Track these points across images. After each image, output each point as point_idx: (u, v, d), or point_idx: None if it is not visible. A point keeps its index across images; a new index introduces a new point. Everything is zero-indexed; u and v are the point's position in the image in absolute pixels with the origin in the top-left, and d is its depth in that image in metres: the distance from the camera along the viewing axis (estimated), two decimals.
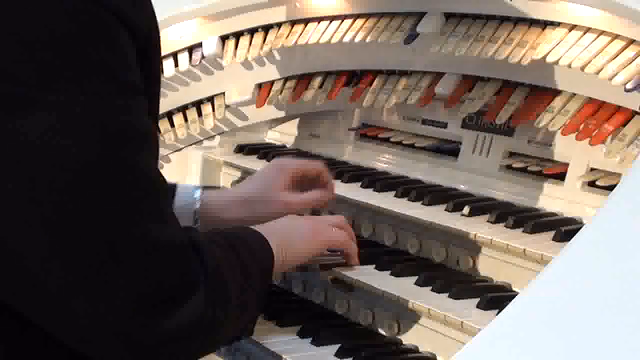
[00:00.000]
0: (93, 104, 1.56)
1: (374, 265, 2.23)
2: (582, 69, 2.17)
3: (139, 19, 1.63)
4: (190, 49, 3.02)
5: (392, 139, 2.76)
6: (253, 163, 2.90)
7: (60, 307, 1.61)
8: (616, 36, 2.16)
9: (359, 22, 2.72)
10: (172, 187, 2.30)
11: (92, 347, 1.67)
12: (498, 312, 1.70)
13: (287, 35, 2.87)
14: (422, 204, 2.38)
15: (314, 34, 2.81)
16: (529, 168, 2.36)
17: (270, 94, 3.00)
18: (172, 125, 3.07)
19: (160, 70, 1.79)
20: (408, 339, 2.11)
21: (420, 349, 2.08)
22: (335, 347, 2.06)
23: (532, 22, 2.34)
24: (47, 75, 1.54)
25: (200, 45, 3.00)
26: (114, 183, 1.59)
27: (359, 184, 2.58)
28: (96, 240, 1.58)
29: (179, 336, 1.68)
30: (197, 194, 2.29)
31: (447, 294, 2.07)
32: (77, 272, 1.58)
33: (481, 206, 2.31)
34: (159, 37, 1.74)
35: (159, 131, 2.21)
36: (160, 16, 3.01)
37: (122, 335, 1.63)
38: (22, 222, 1.55)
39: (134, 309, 1.62)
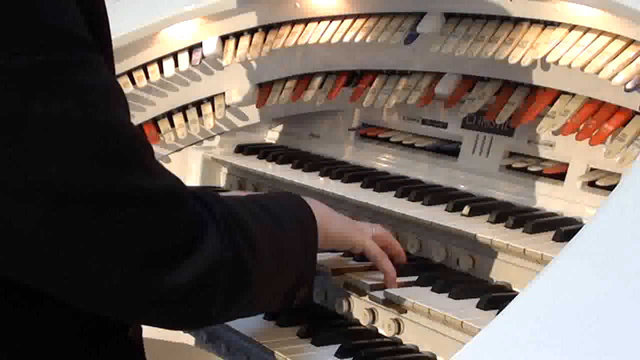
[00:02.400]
0: (52, 64, 1.52)
1: None
2: (582, 69, 2.17)
3: None
4: (190, 49, 3.02)
5: (392, 139, 2.76)
6: (253, 163, 2.90)
7: (71, 274, 1.59)
8: (616, 36, 2.16)
9: (359, 22, 2.72)
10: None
11: (114, 309, 1.66)
12: (498, 312, 1.70)
13: (287, 35, 2.87)
14: (422, 204, 2.38)
15: (314, 34, 2.82)
16: (529, 168, 2.36)
17: (270, 94, 3.00)
18: (172, 125, 3.08)
19: (109, 32, 1.75)
20: (408, 339, 2.11)
21: (420, 349, 2.08)
22: (335, 347, 2.06)
23: (532, 22, 2.34)
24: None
25: (200, 45, 3.00)
26: (91, 141, 1.55)
27: (359, 184, 2.58)
28: (88, 201, 1.55)
29: (201, 282, 1.65)
30: None
31: (447, 294, 2.07)
32: (77, 235, 1.56)
33: (481, 206, 2.31)
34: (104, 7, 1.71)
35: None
36: (160, 16, 3.04)
37: (140, 290, 1.61)
38: (11, 192, 1.52)
39: (144, 263, 1.60)
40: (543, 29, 2.31)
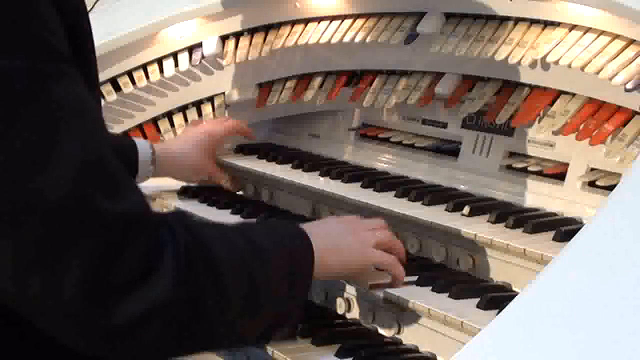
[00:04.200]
0: (27, 71, 1.50)
1: None
2: (582, 69, 2.17)
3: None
4: (190, 49, 3.02)
5: (392, 139, 2.76)
6: (253, 163, 2.90)
7: (20, 289, 1.54)
8: (616, 36, 2.16)
9: (359, 22, 2.72)
10: (132, 144, 2.63)
11: (55, 330, 1.60)
12: (498, 312, 1.70)
13: (287, 35, 2.87)
14: (422, 204, 2.38)
15: (314, 34, 2.82)
16: (529, 168, 2.36)
17: (270, 94, 3.00)
18: (172, 125, 3.08)
19: (92, 43, 1.71)
20: (408, 339, 2.11)
21: (420, 349, 2.08)
22: (335, 347, 2.06)
23: (532, 22, 2.34)
24: None
25: (200, 45, 3.00)
26: (52, 157, 1.51)
27: (359, 184, 2.57)
28: (42, 219, 1.51)
29: (143, 319, 1.58)
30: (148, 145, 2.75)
31: (447, 294, 2.07)
32: (26, 252, 1.52)
33: (481, 206, 2.30)
34: (86, 14, 1.68)
35: (103, 98, 2.24)
36: (160, 16, 3.04)
37: (76, 318, 1.56)
38: None
39: (86, 291, 1.53)
40: (543, 29, 2.31)
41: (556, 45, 2.25)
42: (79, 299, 1.54)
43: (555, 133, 2.30)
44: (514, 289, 2.11)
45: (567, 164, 2.30)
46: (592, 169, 2.25)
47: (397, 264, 2.11)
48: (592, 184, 2.24)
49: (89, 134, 1.57)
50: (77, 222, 1.53)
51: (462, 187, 2.49)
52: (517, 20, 2.37)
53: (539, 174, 2.35)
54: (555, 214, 2.25)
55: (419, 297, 2.06)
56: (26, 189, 1.51)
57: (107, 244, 1.55)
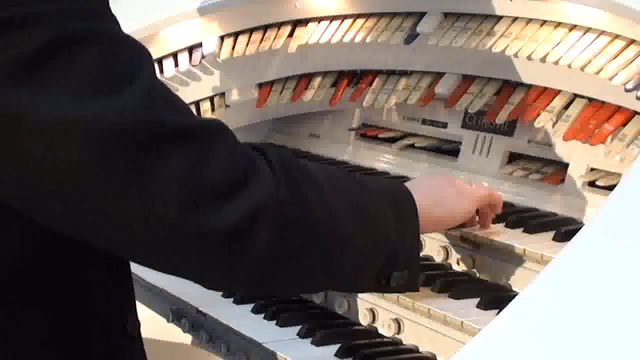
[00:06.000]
0: (82, 11, 1.51)
1: None
2: (582, 69, 2.16)
3: None
4: (190, 49, 3.02)
5: (392, 139, 2.76)
6: None
7: (111, 216, 1.52)
8: (616, 36, 2.16)
9: (359, 22, 2.72)
10: None
11: (158, 256, 1.57)
12: (498, 312, 1.70)
13: (287, 35, 2.87)
14: None
15: (314, 34, 2.82)
16: (530, 176, 2.35)
17: (270, 94, 3.00)
18: None
19: None
20: (408, 339, 2.11)
21: (420, 349, 2.08)
22: (335, 347, 2.06)
23: (531, 22, 2.34)
24: None
25: (200, 45, 3.00)
26: (137, 82, 1.51)
27: None
28: (129, 137, 1.49)
29: (250, 220, 1.54)
30: None
31: (447, 294, 2.07)
32: (117, 173, 1.49)
33: None
34: None
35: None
36: (160, 16, 3.04)
37: (181, 229, 1.52)
38: (51, 130, 1.47)
39: (187, 201, 1.51)
40: (541, 25, 2.31)
41: (556, 45, 2.25)
42: (179, 212, 1.51)
43: (555, 133, 2.30)
44: (514, 289, 2.11)
45: (566, 169, 2.30)
46: (592, 169, 2.25)
47: (500, 199, 2.12)
48: (592, 184, 2.23)
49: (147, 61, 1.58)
50: (168, 136, 1.52)
51: None
52: (516, 20, 2.37)
53: (540, 180, 2.35)
54: (555, 214, 2.25)
55: (419, 297, 2.06)
56: (114, 111, 1.48)
57: (200, 152, 1.54)
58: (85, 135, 1.48)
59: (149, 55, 1.61)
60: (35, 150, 1.48)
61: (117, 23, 1.59)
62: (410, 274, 1.86)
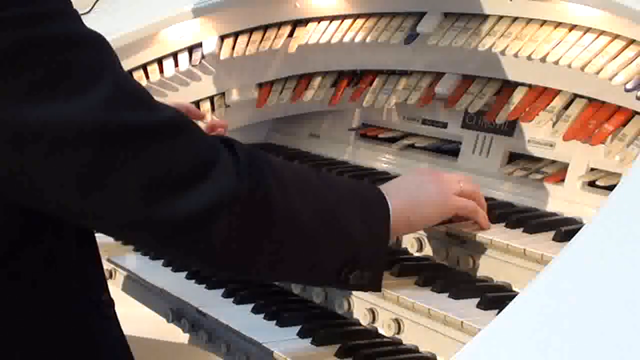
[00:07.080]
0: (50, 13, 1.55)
1: None
2: (582, 69, 2.17)
3: None
4: (190, 49, 3.02)
5: (392, 139, 2.76)
6: None
7: (78, 214, 1.61)
8: (616, 36, 2.16)
9: (359, 22, 2.72)
10: None
11: (125, 236, 1.71)
12: (498, 312, 1.70)
13: (287, 35, 2.87)
14: None
15: (314, 34, 2.82)
16: (530, 176, 2.35)
17: (270, 94, 3.00)
18: None
19: None
20: (408, 339, 2.11)
21: (420, 349, 2.08)
22: (335, 347, 2.06)
23: (531, 22, 2.34)
24: None
25: (200, 45, 3.00)
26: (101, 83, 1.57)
27: None
28: (89, 138, 1.56)
29: (211, 211, 1.62)
30: None
31: (447, 294, 2.07)
32: (80, 176, 1.57)
33: None
34: None
35: None
36: (160, 16, 3.04)
37: (144, 220, 1.61)
38: (11, 135, 1.54)
39: (149, 193, 1.59)
40: (541, 25, 2.31)
41: (556, 45, 2.25)
42: (142, 205, 1.60)
43: (555, 133, 2.30)
44: (514, 289, 2.10)
45: (566, 169, 2.30)
46: (592, 169, 2.25)
47: (479, 211, 2.12)
48: (592, 184, 2.23)
49: (116, 62, 1.65)
50: (127, 135, 1.58)
51: None
52: (516, 20, 2.37)
53: (540, 180, 2.35)
54: (555, 214, 2.25)
55: (419, 297, 2.06)
56: (67, 113, 1.55)
57: (159, 147, 1.61)
58: (49, 138, 1.54)
59: (109, 47, 1.67)
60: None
61: (80, 20, 1.62)
62: (372, 275, 1.90)
